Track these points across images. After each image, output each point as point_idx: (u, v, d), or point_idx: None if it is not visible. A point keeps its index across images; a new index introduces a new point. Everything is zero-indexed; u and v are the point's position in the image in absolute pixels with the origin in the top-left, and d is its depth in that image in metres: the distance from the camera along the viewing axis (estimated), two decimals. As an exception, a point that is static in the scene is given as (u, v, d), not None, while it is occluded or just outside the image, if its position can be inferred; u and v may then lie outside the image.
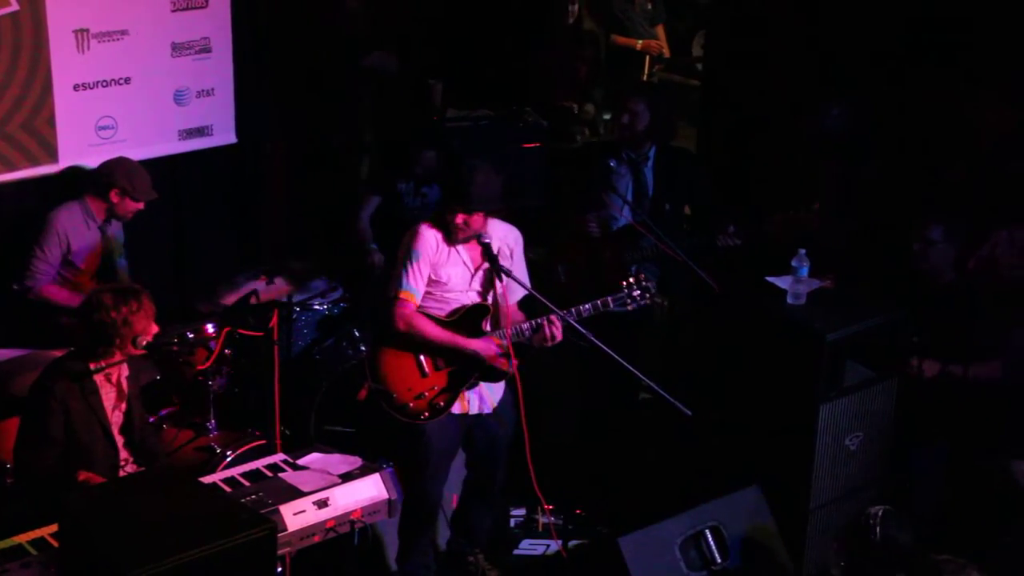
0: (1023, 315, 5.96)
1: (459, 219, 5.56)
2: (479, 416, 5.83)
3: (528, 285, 5.76)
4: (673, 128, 6.82)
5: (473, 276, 5.71)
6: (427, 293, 5.68)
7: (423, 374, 5.69)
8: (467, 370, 5.69)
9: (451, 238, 5.64)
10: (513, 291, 5.76)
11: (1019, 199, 6.21)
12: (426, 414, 5.69)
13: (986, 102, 6.44)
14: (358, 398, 5.85)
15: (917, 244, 5.93)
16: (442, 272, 5.66)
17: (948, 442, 5.97)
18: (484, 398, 5.82)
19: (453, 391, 5.71)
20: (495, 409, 5.86)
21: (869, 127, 6.82)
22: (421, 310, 5.68)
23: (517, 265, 5.82)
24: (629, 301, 5.77)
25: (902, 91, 6.97)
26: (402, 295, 5.63)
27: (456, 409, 5.75)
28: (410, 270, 5.63)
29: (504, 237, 5.76)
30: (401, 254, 5.69)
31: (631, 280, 5.78)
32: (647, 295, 5.78)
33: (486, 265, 5.69)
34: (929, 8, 6.87)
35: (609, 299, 5.74)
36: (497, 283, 5.69)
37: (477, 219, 5.57)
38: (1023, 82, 6.49)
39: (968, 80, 6.62)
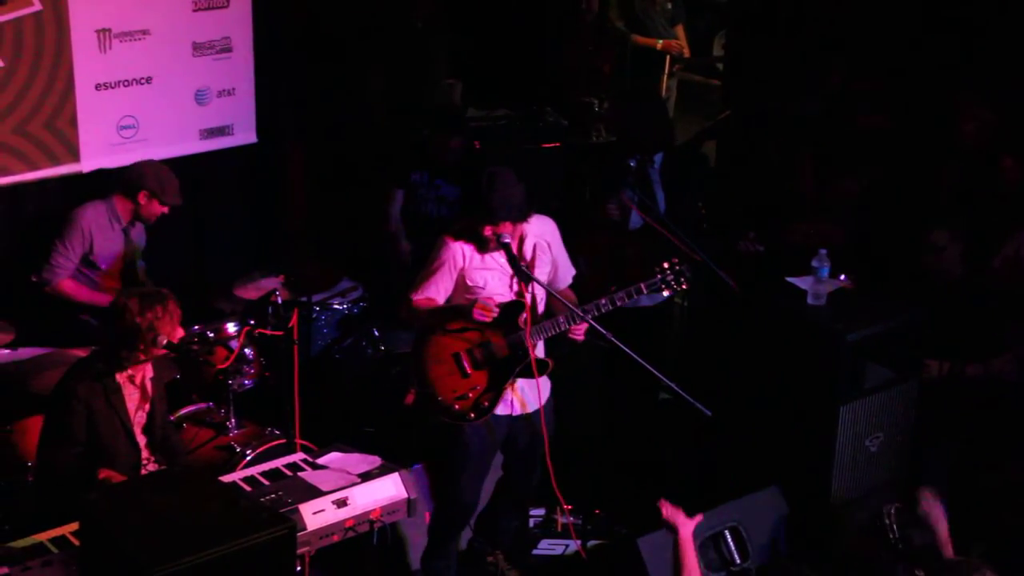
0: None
1: (487, 231, 5.52)
2: (520, 417, 5.79)
3: (570, 272, 5.76)
4: (666, 133, 6.77)
5: (512, 277, 5.65)
6: (467, 300, 5.62)
7: (464, 374, 5.65)
8: (507, 368, 5.67)
9: (483, 248, 5.60)
10: (557, 281, 5.73)
11: (1012, 199, 6.21)
12: (472, 415, 5.65)
13: (965, 111, 6.43)
14: (405, 403, 5.81)
15: (928, 255, 5.94)
16: (477, 276, 5.62)
17: (955, 442, 5.96)
18: (525, 399, 5.79)
19: (496, 390, 5.66)
20: (537, 410, 5.78)
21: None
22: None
23: (560, 255, 5.78)
24: (663, 286, 5.64)
25: (915, 91, 6.97)
26: (415, 300, 5.62)
27: (500, 410, 5.72)
28: (431, 279, 5.62)
29: (540, 232, 5.71)
30: (427, 262, 5.69)
31: (665, 265, 5.64)
32: (682, 278, 5.63)
33: (524, 262, 5.65)
34: (948, 8, 6.86)
35: (642, 285, 5.62)
36: (538, 278, 5.64)
37: (505, 228, 5.53)
38: (1000, 88, 6.49)
39: (960, 84, 6.63)
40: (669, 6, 9.87)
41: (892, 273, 6.27)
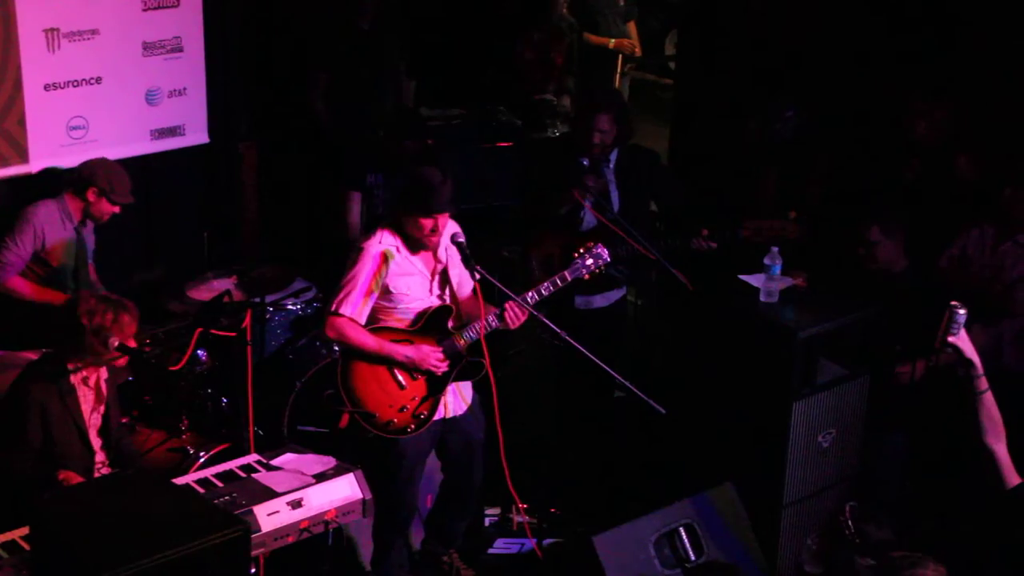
0: (992, 312, 6.00)
1: (428, 224, 5.50)
2: (453, 419, 5.82)
3: (483, 276, 5.72)
4: (629, 130, 6.80)
5: (432, 281, 5.68)
6: (389, 308, 5.63)
7: (401, 386, 5.66)
8: (443, 374, 5.68)
9: (419, 245, 5.58)
10: (464, 284, 5.74)
11: (969, 196, 6.26)
12: (412, 427, 5.66)
13: (917, 110, 6.48)
14: (339, 427, 5.77)
15: (861, 249, 5.97)
16: (400, 283, 5.60)
17: (909, 433, 6.00)
18: (456, 399, 5.81)
19: (434, 397, 5.69)
20: (468, 409, 5.85)
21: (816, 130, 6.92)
22: (381, 324, 5.65)
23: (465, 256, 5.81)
24: (583, 270, 5.79)
25: (869, 90, 7.01)
26: (339, 314, 5.53)
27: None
28: (353, 292, 5.54)
29: (453, 234, 5.71)
30: (346, 272, 5.60)
31: (581, 250, 5.81)
32: (599, 260, 5.80)
33: (440, 267, 5.68)
34: (898, 9, 6.92)
35: (566, 273, 5.76)
36: (452, 281, 5.69)
37: (444, 220, 5.54)
38: (950, 85, 6.54)
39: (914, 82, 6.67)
40: (621, 3, 9.89)
41: (846, 270, 6.31)
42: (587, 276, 5.84)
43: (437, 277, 5.70)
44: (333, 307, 5.56)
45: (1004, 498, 4.42)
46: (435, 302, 5.69)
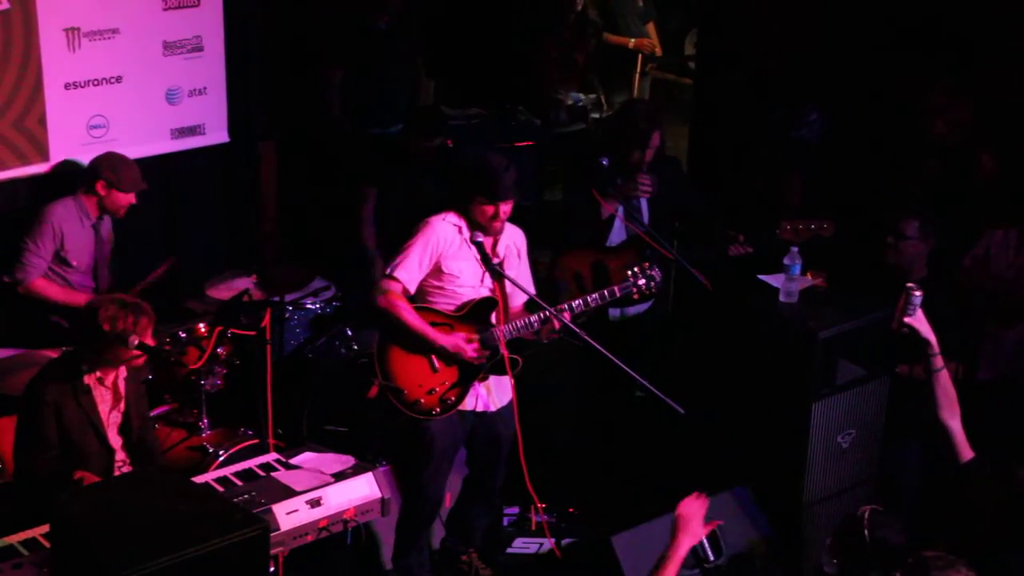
0: (1013, 315, 5.97)
1: (490, 210, 5.55)
2: (484, 414, 5.82)
3: (531, 286, 5.78)
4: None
5: (484, 272, 5.69)
6: (437, 288, 5.67)
7: (434, 369, 5.67)
8: (477, 364, 5.68)
9: (484, 231, 5.62)
10: (520, 292, 5.76)
11: (990, 195, 6.23)
12: (437, 410, 5.68)
13: (936, 108, 6.44)
14: (368, 396, 5.81)
15: (890, 238, 5.93)
16: (453, 265, 5.64)
17: (925, 438, 5.98)
18: (490, 396, 5.81)
19: (464, 386, 5.70)
20: (500, 409, 5.84)
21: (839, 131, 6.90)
22: (427, 304, 5.67)
23: (524, 266, 5.85)
24: (635, 290, 5.80)
25: (890, 88, 6.98)
26: (394, 277, 5.61)
27: (465, 406, 5.74)
28: (409, 258, 5.61)
29: (512, 237, 5.78)
30: (407, 241, 5.68)
31: (636, 270, 5.81)
32: (652, 283, 5.81)
33: (496, 261, 5.69)
34: (920, 8, 6.89)
35: (616, 288, 5.77)
36: (506, 280, 5.71)
37: (507, 208, 5.58)
38: (970, 82, 6.50)
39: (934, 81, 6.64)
40: (640, 3, 9.87)
41: (862, 271, 6.28)
42: (636, 296, 5.85)
43: None
44: (388, 270, 5.64)
45: (958, 471, 4.58)
46: (484, 293, 5.70)
